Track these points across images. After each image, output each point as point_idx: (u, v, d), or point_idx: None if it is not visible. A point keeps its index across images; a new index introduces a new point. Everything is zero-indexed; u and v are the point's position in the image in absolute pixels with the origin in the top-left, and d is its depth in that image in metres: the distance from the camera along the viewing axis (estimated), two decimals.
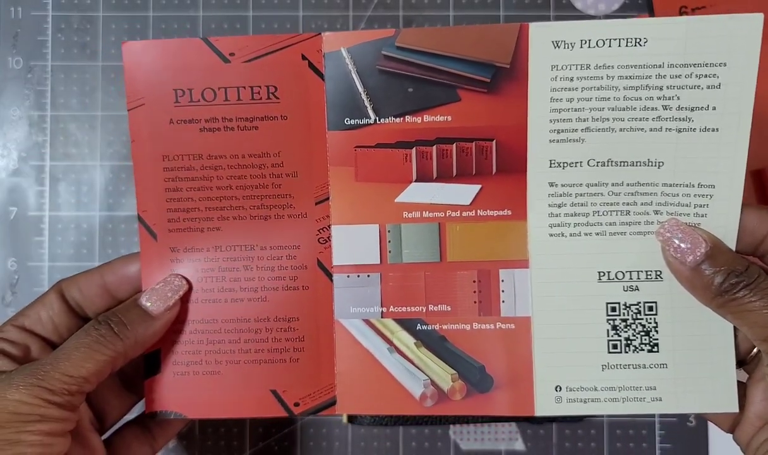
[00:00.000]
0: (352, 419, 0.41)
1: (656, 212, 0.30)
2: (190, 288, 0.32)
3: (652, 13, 0.39)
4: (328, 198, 0.32)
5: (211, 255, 0.32)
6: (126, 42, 0.31)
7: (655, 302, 0.31)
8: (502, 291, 0.32)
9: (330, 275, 0.32)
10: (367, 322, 0.32)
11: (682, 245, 0.29)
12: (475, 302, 0.32)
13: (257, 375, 0.32)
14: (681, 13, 0.38)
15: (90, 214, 0.42)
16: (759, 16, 0.28)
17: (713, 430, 0.41)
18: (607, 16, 0.39)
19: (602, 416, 0.41)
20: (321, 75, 0.31)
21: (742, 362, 0.31)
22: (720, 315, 0.29)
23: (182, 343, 0.32)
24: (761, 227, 0.29)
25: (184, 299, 0.32)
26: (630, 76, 0.29)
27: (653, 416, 0.41)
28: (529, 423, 0.41)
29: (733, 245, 0.29)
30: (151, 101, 0.31)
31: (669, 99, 0.29)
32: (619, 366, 0.31)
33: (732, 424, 0.31)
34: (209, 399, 0.32)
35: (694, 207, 0.30)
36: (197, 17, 0.41)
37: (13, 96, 0.42)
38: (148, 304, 0.31)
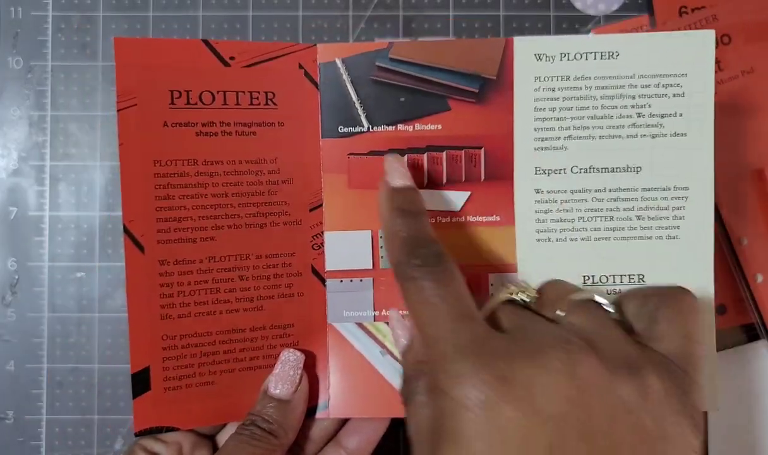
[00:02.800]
0: None
1: (638, 218, 0.32)
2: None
3: (652, 14, 0.40)
4: (321, 205, 0.32)
5: (205, 266, 0.31)
6: (118, 37, 0.30)
7: None
8: (491, 295, 0.32)
9: (324, 281, 0.32)
10: (360, 325, 0.32)
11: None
12: None
13: (251, 380, 0.32)
14: (681, 14, 0.39)
15: (90, 214, 0.41)
16: (711, 33, 0.31)
17: (713, 430, 0.40)
18: (607, 17, 0.40)
19: None
20: (316, 84, 0.32)
21: None
22: None
23: (174, 358, 0.31)
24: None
25: (176, 315, 0.31)
26: (606, 87, 0.31)
27: None
28: None
29: (711, 244, 0.31)
30: (145, 102, 0.30)
31: (641, 107, 0.31)
32: None
33: None
34: (202, 408, 0.31)
35: (672, 210, 0.31)
36: (197, 17, 0.41)
37: (13, 96, 0.42)
38: (277, 391, 0.31)
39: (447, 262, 0.26)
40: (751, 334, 0.39)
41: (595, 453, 0.23)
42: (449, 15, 0.41)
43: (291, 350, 0.31)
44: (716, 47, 0.38)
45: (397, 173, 0.30)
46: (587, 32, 0.39)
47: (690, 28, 0.39)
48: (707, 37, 0.31)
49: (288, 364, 0.31)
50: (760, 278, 0.38)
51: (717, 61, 0.38)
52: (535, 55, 0.31)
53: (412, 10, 0.41)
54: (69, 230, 0.41)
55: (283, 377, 0.31)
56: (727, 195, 0.38)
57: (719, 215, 0.38)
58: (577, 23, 0.40)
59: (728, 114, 0.38)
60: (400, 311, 0.31)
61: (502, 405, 0.22)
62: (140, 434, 0.31)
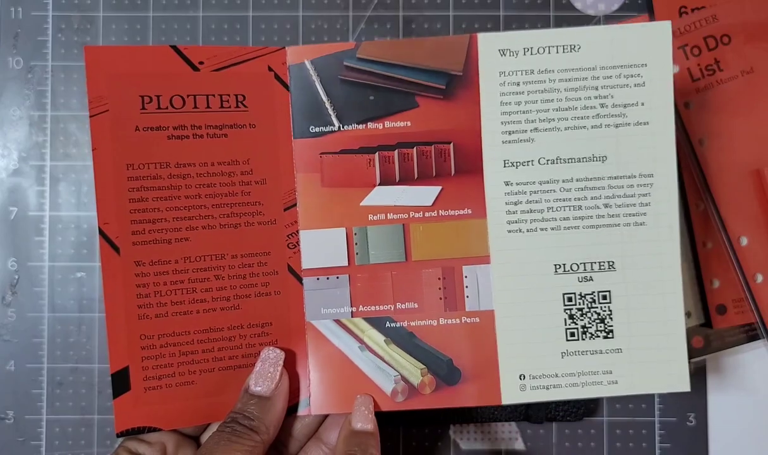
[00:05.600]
0: None
1: (606, 206, 0.32)
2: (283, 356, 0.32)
3: (651, 14, 0.40)
4: (295, 204, 0.33)
5: (180, 267, 0.32)
6: (89, 46, 0.31)
7: (609, 291, 0.33)
8: (466, 287, 0.33)
9: (300, 279, 0.33)
10: (338, 322, 0.33)
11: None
12: (440, 298, 0.33)
13: (231, 379, 0.32)
14: (681, 14, 0.40)
15: (90, 214, 0.42)
16: (667, 24, 0.32)
17: (713, 430, 0.41)
18: (607, 17, 0.41)
19: (596, 414, 0.42)
20: (286, 86, 0.33)
21: None
22: None
23: (153, 358, 0.31)
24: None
25: (153, 315, 0.31)
26: (569, 79, 0.32)
27: (653, 415, 0.41)
28: (529, 422, 0.41)
29: (677, 228, 0.32)
30: (116, 108, 0.31)
31: (604, 98, 0.32)
32: (577, 353, 0.33)
33: None
34: (182, 409, 0.32)
35: (638, 196, 0.32)
36: (197, 17, 0.42)
37: (13, 96, 0.42)
38: (258, 388, 0.31)
39: None
40: (751, 334, 0.39)
41: None
42: (449, 15, 0.42)
43: (271, 347, 0.32)
44: (716, 47, 0.39)
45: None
46: None
47: (690, 28, 0.39)
48: (664, 27, 0.32)
49: (268, 361, 0.32)
50: (760, 278, 0.38)
51: (717, 61, 0.39)
52: (499, 50, 0.32)
53: (412, 10, 0.42)
54: (69, 230, 0.42)
55: (263, 374, 0.31)
56: (726, 195, 0.38)
57: (719, 214, 0.38)
58: (577, 23, 0.41)
59: (728, 114, 0.38)
60: None
61: None
62: (122, 434, 0.31)
